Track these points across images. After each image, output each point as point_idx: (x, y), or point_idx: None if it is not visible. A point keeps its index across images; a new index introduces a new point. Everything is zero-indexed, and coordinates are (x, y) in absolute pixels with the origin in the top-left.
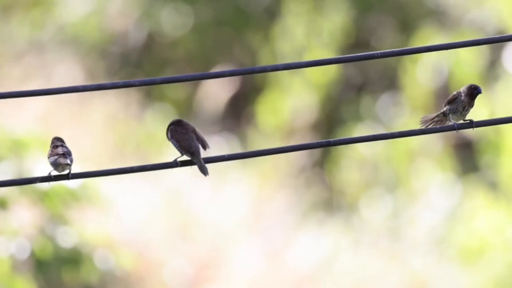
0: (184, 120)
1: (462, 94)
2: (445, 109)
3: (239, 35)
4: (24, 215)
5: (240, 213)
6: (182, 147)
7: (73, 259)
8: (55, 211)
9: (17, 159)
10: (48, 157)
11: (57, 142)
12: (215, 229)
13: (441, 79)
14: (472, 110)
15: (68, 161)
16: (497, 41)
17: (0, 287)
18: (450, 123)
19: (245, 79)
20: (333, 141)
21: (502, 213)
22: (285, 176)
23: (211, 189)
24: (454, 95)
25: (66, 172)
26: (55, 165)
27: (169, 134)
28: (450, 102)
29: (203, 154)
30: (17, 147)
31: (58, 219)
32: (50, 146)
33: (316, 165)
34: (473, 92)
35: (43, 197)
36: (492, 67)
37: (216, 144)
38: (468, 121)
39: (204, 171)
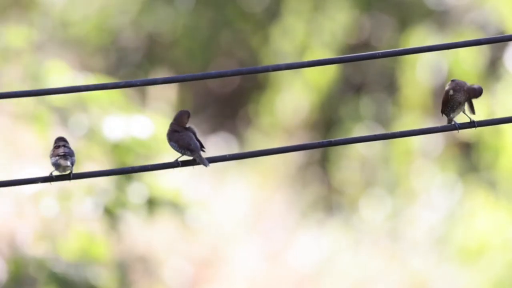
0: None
1: (458, 93)
2: (445, 111)
3: (239, 35)
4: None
5: (240, 213)
6: (181, 146)
7: (147, 211)
8: (126, 164)
9: (85, 114)
10: (50, 157)
11: (60, 142)
12: (215, 229)
13: (440, 78)
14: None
15: (68, 163)
16: (498, 41)
17: (78, 247)
18: (452, 123)
19: (243, 78)
20: (334, 140)
21: (502, 213)
22: (285, 176)
23: (211, 189)
24: (446, 93)
25: (67, 172)
26: (56, 165)
27: (168, 138)
28: (445, 103)
29: (204, 154)
30: (85, 102)
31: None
32: (53, 146)
33: (316, 165)
34: (474, 96)
35: (114, 149)
36: (493, 67)
37: (214, 144)
38: (469, 121)
39: (204, 163)
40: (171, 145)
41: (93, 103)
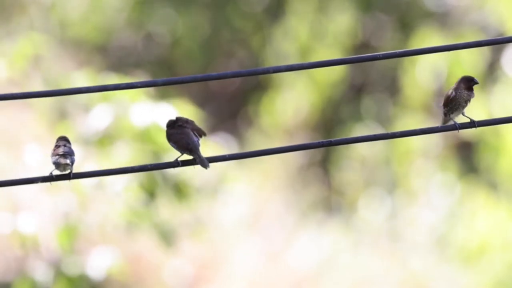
0: (180, 117)
1: (458, 91)
2: (444, 110)
3: (239, 35)
4: (125, 153)
5: (240, 213)
6: (180, 147)
7: (181, 189)
8: (155, 148)
9: (108, 106)
10: (51, 157)
11: (60, 142)
12: (215, 229)
13: (440, 79)
14: (472, 111)
15: (68, 161)
16: (498, 42)
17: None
18: (452, 123)
19: (244, 79)
20: (335, 140)
21: (502, 214)
22: (285, 177)
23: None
24: (449, 95)
25: (67, 171)
26: (56, 165)
27: (167, 138)
28: (447, 104)
29: (204, 155)
30: (107, 94)
31: (159, 155)
32: (54, 145)
33: (316, 165)
34: (470, 84)
35: (141, 137)
36: (491, 69)
37: (214, 145)
38: (470, 121)
39: (204, 164)
40: (171, 145)
41: (117, 94)
